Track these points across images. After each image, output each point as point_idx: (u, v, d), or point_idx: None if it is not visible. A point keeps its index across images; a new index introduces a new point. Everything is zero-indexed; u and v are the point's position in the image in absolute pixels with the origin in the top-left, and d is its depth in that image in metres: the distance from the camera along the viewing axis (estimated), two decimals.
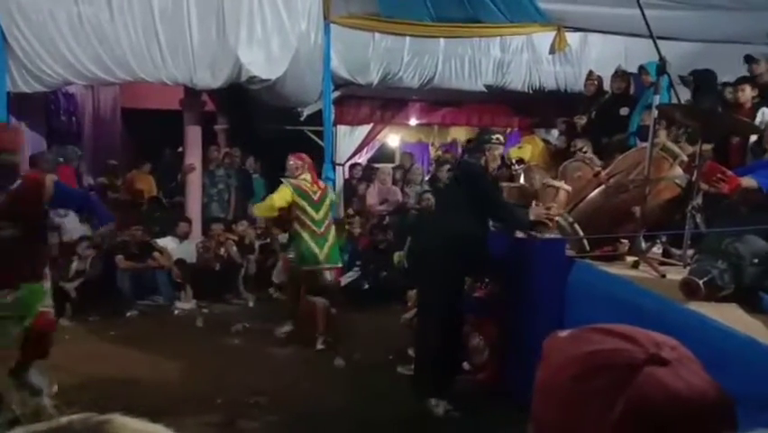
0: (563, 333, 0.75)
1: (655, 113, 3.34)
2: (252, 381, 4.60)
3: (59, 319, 6.18)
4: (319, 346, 5.44)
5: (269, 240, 8.29)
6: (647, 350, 0.67)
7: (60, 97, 8.95)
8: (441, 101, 10.05)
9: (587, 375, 0.66)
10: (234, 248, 7.52)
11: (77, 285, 6.40)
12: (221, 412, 4.04)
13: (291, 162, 5.79)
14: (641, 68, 6.40)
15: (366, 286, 7.32)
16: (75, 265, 6.52)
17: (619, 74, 7.03)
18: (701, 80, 6.19)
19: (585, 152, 5.98)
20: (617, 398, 0.63)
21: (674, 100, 4.37)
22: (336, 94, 8.73)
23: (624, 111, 6.58)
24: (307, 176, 5.71)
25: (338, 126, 9.49)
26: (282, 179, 5.72)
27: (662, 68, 3.27)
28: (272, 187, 9.76)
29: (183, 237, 7.65)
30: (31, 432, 0.42)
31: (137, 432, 0.43)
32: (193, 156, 8.27)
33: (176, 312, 6.82)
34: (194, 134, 8.27)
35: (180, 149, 8.57)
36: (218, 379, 4.66)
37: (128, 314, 6.60)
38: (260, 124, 9.95)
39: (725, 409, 0.66)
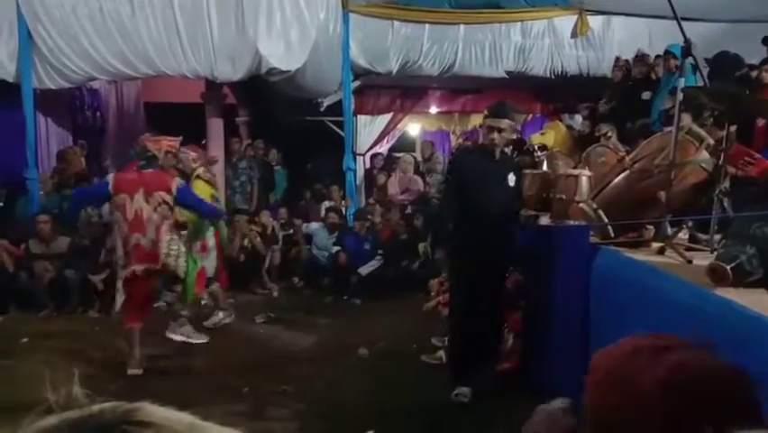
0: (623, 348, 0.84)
1: (680, 96, 3.27)
2: (278, 370, 4.66)
3: (88, 311, 6.36)
4: (228, 320, 5.87)
5: (292, 231, 8.35)
6: (675, 340, 0.76)
7: (85, 93, 9.08)
8: (461, 88, 9.98)
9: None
10: (258, 239, 7.58)
11: (104, 277, 6.51)
12: (248, 401, 4.11)
13: (186, 154, 5.95)
14: (666, 51, 6.26)
15: (388, 275, 7.34)
16: (102, 258, 6.64)
17: (640, 58, 6.90)
18: (715, 63, 6.03)
19: (609, 137, 5.89)
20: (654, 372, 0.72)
21: (700, 83, 4.28)
22: (356, 83, 8.71)
23: (646, 95, 6.47)
24: (201, 169, 5.95)
25: (358, 116, 9.48)
26: (200, 175, 5.86)
27: (686, 50, 3.19)
28: (294, 178, 9.89)
29: None
30: (64, 420, 0.44)
31: (165, 420, 0.44)
32: (215, 149, 8.34)
33: (202, 302, 6.90)
34: (216, 127, 8.34)
35: (203, 142, 8.65)
36: (245, 368, 4.72)
37: (155, 305, 6.69)
38: (280, 115, 9.99)
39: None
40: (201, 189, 5.71)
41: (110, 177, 4.95)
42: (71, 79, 7.33)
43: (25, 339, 5.38)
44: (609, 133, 6.02)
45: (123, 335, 4.82)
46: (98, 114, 9.58)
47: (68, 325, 5.90)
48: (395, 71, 8.50)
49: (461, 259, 4.14)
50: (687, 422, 0.69)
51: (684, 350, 0.74)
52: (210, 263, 5.82)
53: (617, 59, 7.44)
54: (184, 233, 5.34)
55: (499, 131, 4.05)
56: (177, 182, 4.93)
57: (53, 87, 7.34)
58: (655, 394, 0.71)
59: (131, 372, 4.57)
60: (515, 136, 4.31)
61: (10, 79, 7.14)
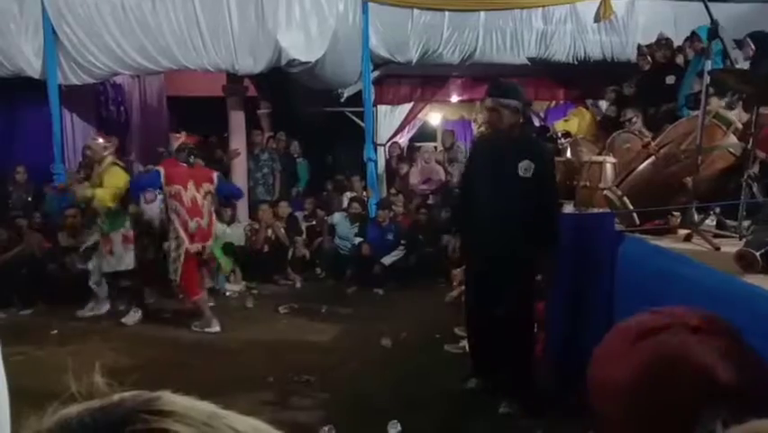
0: (629, 329, 0.81)
1: (707, 79, 3.20)
2: (302, 360, 4.69)
3: (114, 303, 6.46)
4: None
5: (314, 222, 8.39)
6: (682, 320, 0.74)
7: (109, 88, 9.20)
8: (482, 76, 9.86)
9: (678, 376, 0.73)
10: (282, 230, 7.63)
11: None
12: (273, 390, 4.15)
13: (96, 141, 6.10)
14: (693, 34, 6.13)
15: (411, 265, 7.33)
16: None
17: (662, 42, 6.75)
18: (760, 43, 5.87)
19: (635, 123, 5.79)
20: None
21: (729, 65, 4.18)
22: (376, 73, 8.69)
23: (670, 80, 6.34)
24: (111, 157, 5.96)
25: (378, 106, 9.45)
26: (116, 162, 5.93)
27: (713, 31, 3.12)
28: (316, 169, 9.91)
29: (229, 222, 7.81)
30: (86, 408, 0.44)
31: (185, 408, 0.44)
32: (237, 141, 8.40)
33: (227, 294, 6.99)
34: (237, 120, 8.40)
35: (225, 135, 8.72)
36: (269, 358, 4.78)
37: (181, 296, 6.78)
38: (301, 107, 10.01)
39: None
40: (118, 176, 5.79)
41: (160, 168, 5.63)
42: (95, 75, 7.44)
43: (54, 331, 5.50)
44: (635, 119, 5.93)
45: (191, 305, 5.64)
46: (122, 108, 9.70)
47: (95, 317, 6.02)
48: (415, 60, 8.45)
49: (467, 254, 4.06)
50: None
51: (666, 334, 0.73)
52: (129, 257, 5.90)
53: (639, 47, 7.30)
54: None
55: (490, 111, 3.75)
56: (217, 174, 5.83)
57: (78, 83, 7.46)
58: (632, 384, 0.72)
59: (211, 330, 5.46)
60: (514, 119, 3.70)
61: (36, 76, 7.27)
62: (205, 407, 0.46)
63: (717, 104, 4.48)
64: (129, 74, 8.21)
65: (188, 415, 0.43)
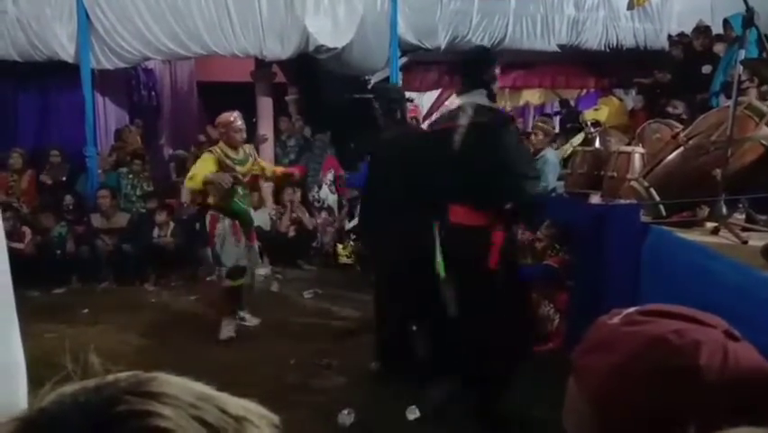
0: (614, 319, 0.77)
1: (740, 69, 3.11)
2: (325, 344, 4.75)
3: (144, 284, 6.60)
4: None
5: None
6: (719, 329, 0.71)
7: (140, 73, 9.33)
8: (512, 63, 9.72)
9: (673, 355, 0.69)
10: (306, 215, 7.68)
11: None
12: (295, 373, 4.21)
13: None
14: (725, 21, 5.96)
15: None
16: (155, 232, 6.89)
17: (701, 30, 6.58)
18: None
19: (680, 114, 5.61)
20: (713, 374, 0.67)
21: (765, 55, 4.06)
22: (403, 60, 8.63)
23: (706, 69, 6.17)
24: None
25: (406, 93, 9.39)
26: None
27: (748, 19, 3.02)
28: (341, 156, 9.90)
29: (255, 207, 7.88)
30: (81, 387, 0.46)
31: (177, 389, 0.45)
32: (265, 127, 8.46)
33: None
34: (266, 105, 8.45)
35: (254, 120, 8.77)
36: (292, 341, 4.84)
37: (207, 279, 6.91)
38: (328, 93, 10.01)
39: None
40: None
41: None
42: (127, 60, 7.55)
43: (86, 310, 5.65)
44: (680, 109, 5.75)
45: None
46: (153, 93, 9.83)
47: (126, 297, 6.16)
48: (443, 47, 8.38)
49: None
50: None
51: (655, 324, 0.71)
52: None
53: (670, 36, 7.14)
54: None
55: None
56: None
57: (110, 68, 7.58)
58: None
59: None
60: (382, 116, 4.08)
61: (70, 60, 7.41)
62: (197, 388, 0.47)
63: (753, 94, 4.37)
64: (160, 59, 8.30)
65: (176, 396, 0.45)
